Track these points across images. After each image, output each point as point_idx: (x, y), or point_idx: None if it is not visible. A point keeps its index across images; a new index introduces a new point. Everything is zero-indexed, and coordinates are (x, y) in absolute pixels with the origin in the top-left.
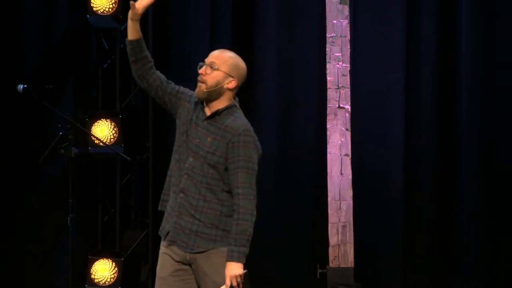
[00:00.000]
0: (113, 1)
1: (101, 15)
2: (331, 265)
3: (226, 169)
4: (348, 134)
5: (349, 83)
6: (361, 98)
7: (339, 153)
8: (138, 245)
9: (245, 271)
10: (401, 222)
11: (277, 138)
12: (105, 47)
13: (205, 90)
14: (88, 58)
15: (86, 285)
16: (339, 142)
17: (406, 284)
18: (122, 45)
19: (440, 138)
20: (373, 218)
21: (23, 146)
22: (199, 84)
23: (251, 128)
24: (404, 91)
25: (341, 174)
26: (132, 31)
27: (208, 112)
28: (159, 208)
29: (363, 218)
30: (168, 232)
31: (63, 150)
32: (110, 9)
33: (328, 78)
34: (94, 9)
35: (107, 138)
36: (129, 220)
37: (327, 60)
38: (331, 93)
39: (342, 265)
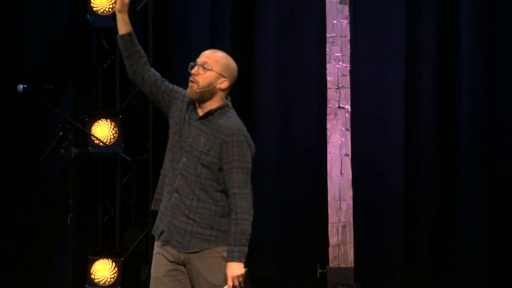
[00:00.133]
0: (113, 1)
1: (101, 15)
2: (331, 265)
3: (219, 169)
4: (348, 134)
5: (349, 83)
6: (361, 98)
7: (339, 153)
8: (138, 245)
9: (245, 269)
10: (401, 222)
11: (277, 138)
12: (105, 47)
13: (197, 90)
14: (88, 58)
15: (86, 285)
16: (339, 142)
17: (406, 284)
18: None
19: (440, 138)
20: (373, 218)
21: (23, 146)
22: (190, 84)
23: (244, 128)
24: (404, 91)
25: (341, 174)
26: (122, 25)
27: (200, 112)
28: (152, 208)
29: (363, 218)
30: (162, 232)
31: (63, 150)
32: (110, 9)
33: (328, 78)
34: (94, 9)
35: (107, 138)
36: (129, 220)
37: (327, 60)
38: (331, 93)
39: (342, 265)
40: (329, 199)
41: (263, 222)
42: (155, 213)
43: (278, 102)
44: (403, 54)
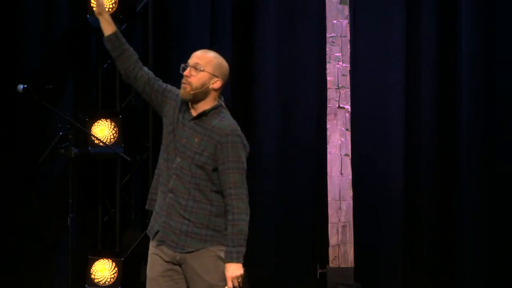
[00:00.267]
0: (113, 1)
1: None
2: (331, 265)
3: (214, 170)
4: (348, 134)
5: (349, 83)
6: (361, 98)
7: (339, 153)
8: (138, 245)
9: (243, 268)
10: (401, 222)
11: (277, 138)
12: (105, 47)
13: (191, 92)
14: (88, 58)
15: (86, 285)
16: (339, 142)
17: (406, 284)
18: None
19: (440, 138)
20: (373, 218)
21: (23, 146)
22: (183, 86)
23: (238, 128)
24: (404, 91)
25: (341, 174)
26: (106, 26)
27: (194, 113)
28: (147, 207)
29: (363, 218)
30: (157, 232)
31: (63, 150)
32: (110, 9)
33: (328, 78)
34: (94, 9)
35: (107, 138)
36: (129, 220)
37: (327, 60)
38: (331, 93)
39: (342, 265)
40: (329, 199)
41: (263, 222)
42: (146, 213)
43: (278, 102)
44: (403, 54)
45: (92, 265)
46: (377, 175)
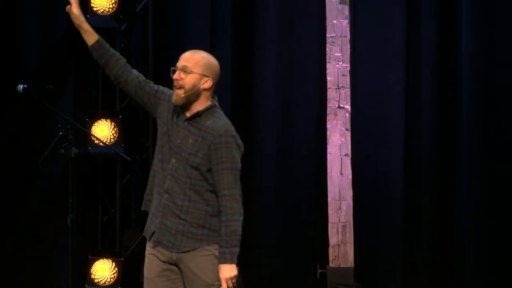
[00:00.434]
0: (113, 1)
1: (101, 15)
2: (331, 265)
3: (208, 170)
4: (348, 134)
5: (349, 83)
6: (361, 98)
7: (339, 153)
8: (138, 245)
9: (237, 269)
10: (401, 222)
11: (277, 138)
12: None
13: (182, 95)
14: (88, 58)
15: (86, 285)
16: (339, 142)
17: (406, 284)
18: (122, 45)
19: (440, 138)
20: (373, 218)
21: (23, 146)
22: (176, 91)
23: (232, 128)
24: (404, 91)
25: (341, 174)
26: (87, 35)
27: (188, 114)
28: (143, 208)
29: (363, 218)
30: (154, 233)
31: (63, 150)
32: (110, 9)
33: (328, 78)
34: (94, 9)
35: (107, 138)
36: (129, 220)
37: (327, 60)
38: (331, 93)
39: (342, 265)
40: (329, 199)
41: (263, 222)
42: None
43: (278, 102)
44: (403, 54)
45: (92, 265)
46: (377, 175)
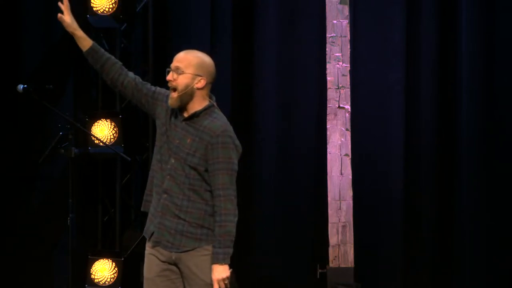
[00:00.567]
0: (113, 1)
1: (101, 15)
2: (331, 265)
3: (206, 170)
4: (348, 134)
5: (349, 83)
6: (361, 98)
7: (339, 153)
8: (138, 245)
9: (230, 270)
10: (401, 222)
11: (277, 138)
12: (105, 47)
13: (176, 96)
14: None
15: (86, 285)
16: (339, 142)
17: (406, 284)
18: (122, 45)
19: (440, 138)
20: (373, 218)
21: (23, 146)
22: (171, 94)
23: (230, 128)
24: (404, 91)
25: (341, 174)
26: (81, 41)
27: (185, 114)
28: (142, 209)
29: (363, 218)
30: (153, 233)
31: (63, 150)
32: (110, 9)
33: (328, 78)
34: (94, 9)
35: (107, 138)
36: (129, 220)
37: (327, 60)
38: (331, 93)
39: (342, 265)
40: (329, 199)
41: (263, 222)
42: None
43: (278, 102)
44: (403, 54)
45: (92, 265)
46: (377, 175)
